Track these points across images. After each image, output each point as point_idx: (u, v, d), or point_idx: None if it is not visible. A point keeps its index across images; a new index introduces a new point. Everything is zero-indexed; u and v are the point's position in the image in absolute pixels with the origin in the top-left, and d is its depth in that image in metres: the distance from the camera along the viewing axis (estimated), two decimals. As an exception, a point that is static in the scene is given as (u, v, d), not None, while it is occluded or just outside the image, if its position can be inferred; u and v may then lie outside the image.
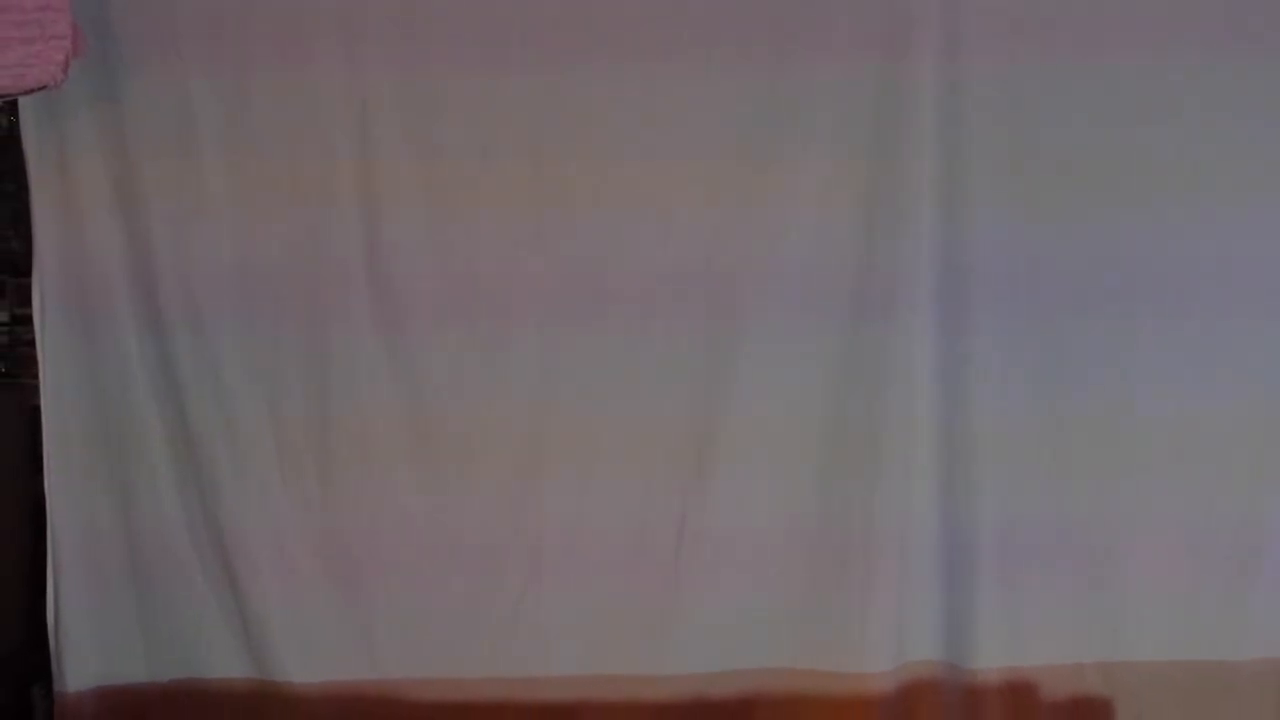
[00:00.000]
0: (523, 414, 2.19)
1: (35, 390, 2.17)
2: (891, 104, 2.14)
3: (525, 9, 2.13)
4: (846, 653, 2.20)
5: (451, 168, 2.15)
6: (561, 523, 2.20)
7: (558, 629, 2.21)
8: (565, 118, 2.15)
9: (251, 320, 2.16)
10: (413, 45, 2.13)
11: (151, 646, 2.22)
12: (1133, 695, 2.23)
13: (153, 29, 2.10)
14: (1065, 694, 2.23)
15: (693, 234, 2.16)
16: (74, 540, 2.18)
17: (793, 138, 2.15)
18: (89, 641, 2.19)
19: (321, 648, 2.21)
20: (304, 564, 2.20)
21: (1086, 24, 2.14)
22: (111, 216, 2.13)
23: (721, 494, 2.19)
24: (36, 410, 2.17)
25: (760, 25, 2.13)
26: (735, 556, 2.20)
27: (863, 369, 2.17)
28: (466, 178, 2.15)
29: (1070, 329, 2.18)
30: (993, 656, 2.21)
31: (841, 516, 2.19)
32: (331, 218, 2.15)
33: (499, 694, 2.20)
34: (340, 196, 2.15)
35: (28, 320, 2.20)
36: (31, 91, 2.00)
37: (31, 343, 2.18)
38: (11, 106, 2.13)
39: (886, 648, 2.20)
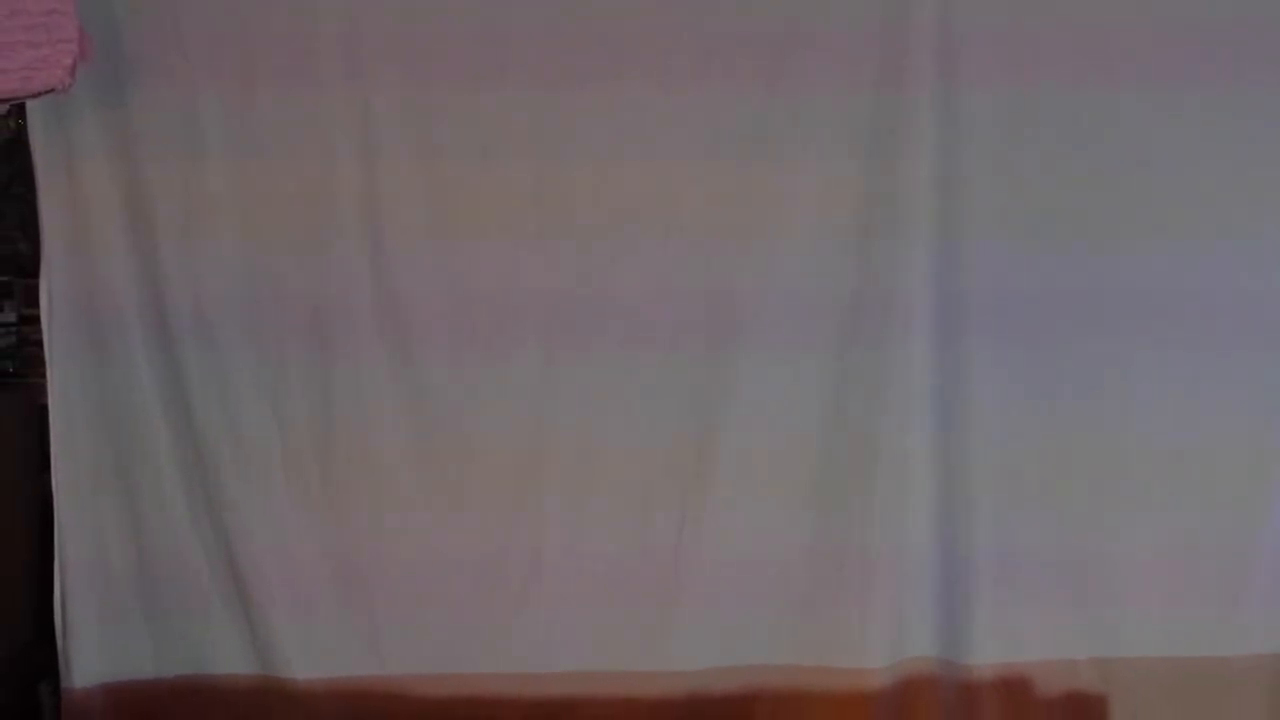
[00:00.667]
0: (523, 426, 2.20)
1: (42, 390, 2.18)
2: (888, 129, 2.14)
3: (525, 23, 2.13)
4: (844, 649, 2.22)
5: (453, 176, 2.16)
6: (561, 534, 2.22)
7: (559, 626, 2.23)
8: (565, 133, 2.15)
9: (257, 322, 2.17)
10: (415, 53, 2.13)
11: (157, 643, 2.24)
12: (1127, 691, 2.25)
13: (159, 34, 2.11)
14: (1060, 690, 2.25)
15: (690, 256, 2.17)
16: (81, 538, 2.19)
17: (789, 162, 2.15)
18: (95, 638, 2.21)
19: (325, 644, 2.22)
20: (308, 561, 2.21)
21: (1082, 53, 2.14)
22: (118, 219, 2.14)
23: (720, 507, 2.21)
24: (43, 410, 2.18)
25: (755, 50, 2.13)
26: (733, 574, 2.22)
27: (860, 391, 2.19)
28: (468, 189, 2.16)
29: (1064, 354, 2.20)
30: (988, 653, 2.23)
31: (839, 534, 2.21)
32: (333, 219, 2.16)
33: (501, 689, 2.22)
34: (342, 198, 2.16)
35: (35, 320, 2.20)
36: (39, 95, 2.00)
37: (39, 343, 2.19)
38: (19, 110, 2.13)
39: (884, 644, 2.22)
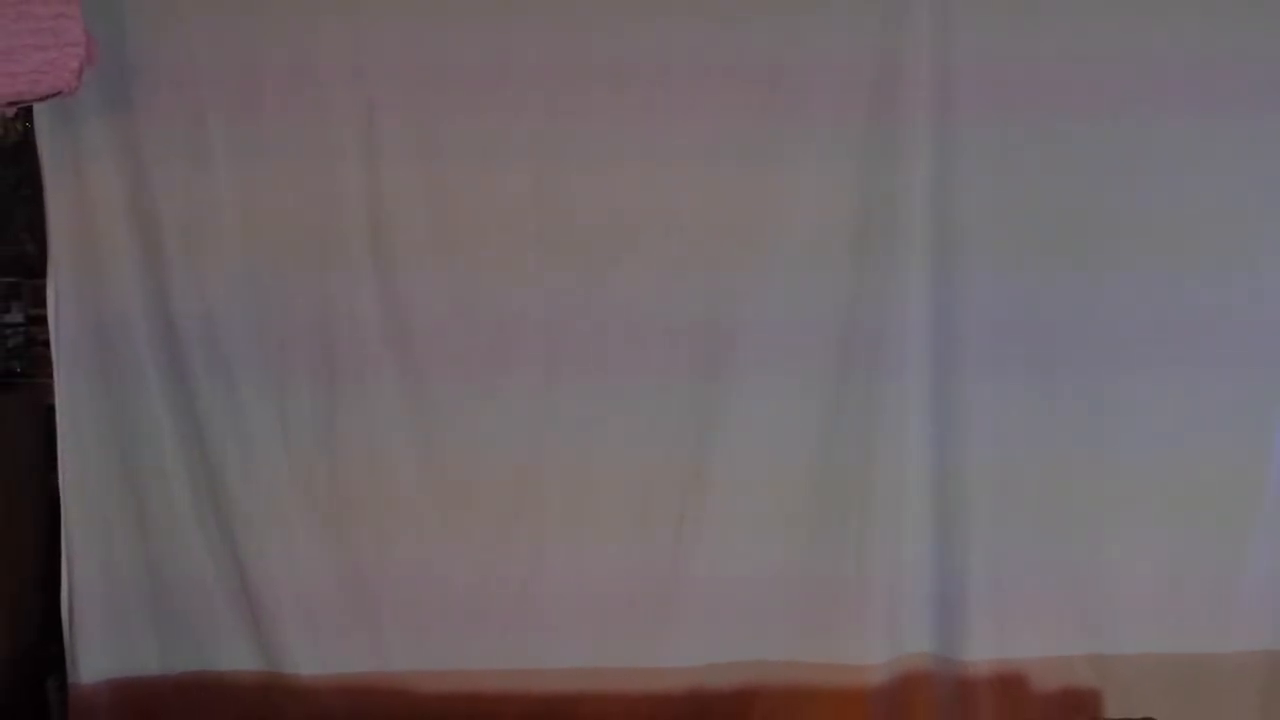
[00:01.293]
0: (524, 438, 2.23)
1: (49, 389, 2.20)
2: (882, 156, 2.16)
3: (526, 41, 2.15)
4: (842, 645, 2.24)
5: (456, 185, 2.18)
6: (562, 535, 2.24)
7: (559, 624, 2.25)
8: (565, 148, 2.16)
9: (262, 324, 2.19)
10: (419, 63, 2.15)
11: (163, 640, 2.25)
12: (1121, 686, 2.27)
13: (164, 39, 2.12)
14: (1055, 685, 2.28)
15: (687, 282, 2.19)
16: (87, 536, 2.21)
17: (784, 191, 2.17)
18: (102, 635, 2.22)
19: (329, 641, 2.24)
20: (312, 559, 2.23)
21: (1076, 82, 2.16)
22: (124, 221, 2.15)
23: (721, 511, 2.23)
24: (50, 409, 2.20)
25: (750, 77, 2.14)
26: (730, 588, 2.24)
27: (855, 415, 2.21)
28: (472, 198, 2.18)
29: (1056, 377, 2.22)
30: (984, 649, 2.26)
31: (836, 551, 2.23)
32: (337, 225, 2.18)
33: (503, 685, 2.24)
34: (346, 204, 2.17)
35: (42, 321, 2.22)
36: (46, 98, 2.02)
37: (46, 343, 2.20)
38: (26, 112, 2.13)
39: (881, 641, 2.24)
